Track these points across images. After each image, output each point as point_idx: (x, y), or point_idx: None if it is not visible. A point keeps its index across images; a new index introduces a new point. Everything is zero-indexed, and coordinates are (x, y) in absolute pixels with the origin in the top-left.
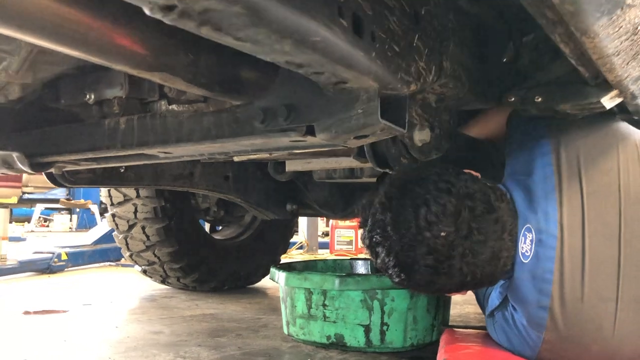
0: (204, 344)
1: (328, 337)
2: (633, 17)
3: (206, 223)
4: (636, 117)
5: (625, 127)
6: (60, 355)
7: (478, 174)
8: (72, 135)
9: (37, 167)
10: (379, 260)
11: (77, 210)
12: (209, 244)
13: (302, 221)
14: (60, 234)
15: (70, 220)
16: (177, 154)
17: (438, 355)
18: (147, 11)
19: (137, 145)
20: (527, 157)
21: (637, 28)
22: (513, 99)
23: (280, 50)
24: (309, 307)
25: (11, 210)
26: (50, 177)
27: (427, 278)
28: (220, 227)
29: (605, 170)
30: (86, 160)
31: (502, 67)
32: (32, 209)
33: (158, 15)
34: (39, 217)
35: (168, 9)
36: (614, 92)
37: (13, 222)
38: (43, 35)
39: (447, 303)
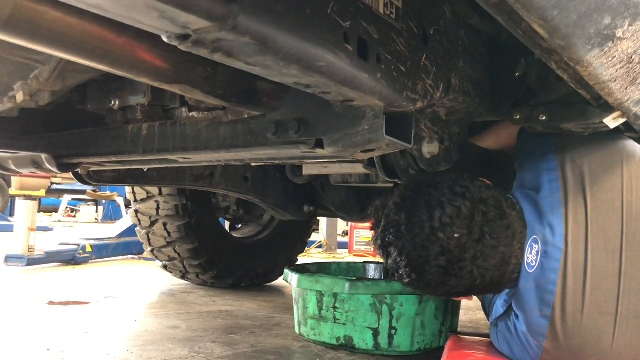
0: (218, 340)
1: (338, 339)
2: (626, 48)
3: (226, 221)
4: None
5: (631, 144)
6: (80, 346)
7: (490, 183)
8: (97, 138)
9: (63, 168)
10: (390, 261)
11: (103, 201)
12: (228, 242)
13: (322, 221)
14: (86, 225)
15: (97, 211)
16: (196, 160)
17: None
18: (164, 39)
19: (157, 151)
20: (535, 172)
21: (631, 57)
22: (518, 116)
23: (288, 74)
24: (320, 309)
25: (40, 200)
26: (77, 175)
27: (437, 279)
28: (239, 226)
29: (610, 187)
30: (110, 162)
31: (515, 81)
32: (60, 199)
33: (175, 43)
34: (66, 208)
35: (184, 37)
36: (617, 114)
37: (41, 212)
38: (70, 50)
39: (455, 310)
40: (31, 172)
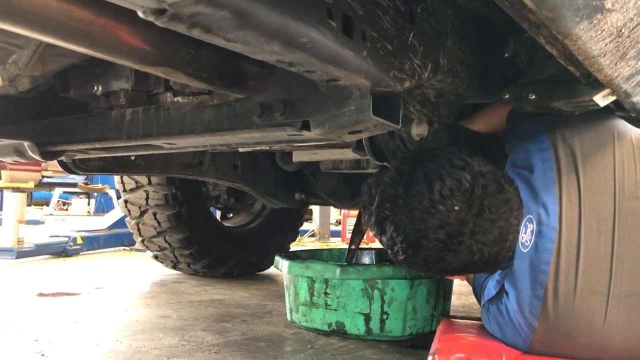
0: (209, 329)
1: (329, 325)
2: (615, 21)
3: (217, 211)
4: (633, 115)
5: (622, 124)
6: (69, 337)
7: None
8: (80, 125)
9: (47, 156)
10: (385, 237)
11: (95, 194)
12: (219, 231)
13: (315, 209)
14: (78, 218)
15: (89, 204)
16: (181, 145)
17: (432, 344)
18: (140, 14)
19: (142, 137)
20: (527, 152)
21: (621, 30)
22: (507, 96)
23: (269, 51)
24: (312, 295)
25: (31, 194)
26: (62, 164)
27: (435, 254)
28: (231, 215)
29: (602, 167)
30: (95, 149)
31: (504, 62)
32: (51, 192)
33: (151, 18)
34: (58, 201)
35: (160, 12)
36: (607, 91)
37: (32, 206)
38: (47, 31)
39: (447, 294)
40: (14, 161)
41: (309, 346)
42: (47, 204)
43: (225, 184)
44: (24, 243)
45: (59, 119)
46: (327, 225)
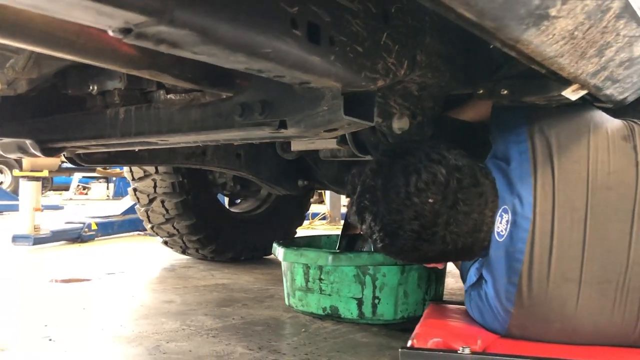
0: (210, 313)
1: (324, 309)
2: (565, 26)
3: (225, 197)
4: (611, 106)
5: (598, 115)
6: (77, 322)
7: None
8: (78, 123)
9: (48, 152)
10: (364, 226)
11: (114, 178)
12: (226, 217)
13: (327, 193)
14: (98, 202)
15: (107, 188)
16: (173, 142)
17: (415, 328)
18: (110, 32)
19: (134, 134)
20: (506, 144)
21: (573, 34)
22: (482, 91)
23: (235, 61)
24: (307, 281)
25: (52, 179)
26: (68, 157)
27: (410, 244)
28: (238, 201)
29: (576, 158)
30: (94, 145)
31: (490, 53)
32: (71, 177)
33: (119, 36)
34: (78, 185)
35: (126, 31)
36: (576, 86)
37: (51, 191)
38: (34, 42)
39: (440, 279)
40: (18, 157)
41: (303, 330)
42: (67, 189)
43: (229, 172)
44: (40, 230)
45: (58, 116)
46: (338, 208)
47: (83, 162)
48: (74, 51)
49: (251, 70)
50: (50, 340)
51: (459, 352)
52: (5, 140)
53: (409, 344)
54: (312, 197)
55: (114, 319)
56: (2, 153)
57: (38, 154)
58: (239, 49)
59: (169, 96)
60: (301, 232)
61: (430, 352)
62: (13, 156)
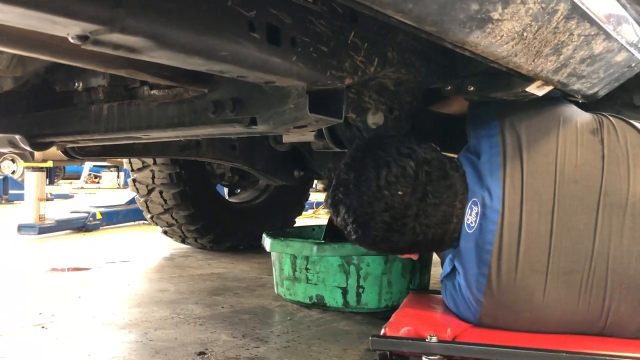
0: (201, 302)
1: (310, 298)
2: (511, 27)
3: (225, 187)
4: (582, 100)
5: (568, 109)
6: (71, 310)
7: (437, 148)
8: (66, 118)
9: (37, 147)
10: (339, 218)
11: (124, 167)
12: (224, 207)
13: None
14: (109, 191)
15: (118, 177)
16: (154, 137)
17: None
18: (69, 39)
19: (117, 130)
20: (478, 138)
21: (523, 34)
22: (449, 87)
23: (194, 63)
24: (294, 270)
25: (64, 168)
26: (63, 151)
27: (381, 235)
28: (238, 191)
29: (545, 152)
30: (83, 139)
31: None
32: (82, 166)
33: (78, 42)
34: (89, 174)
35: (84, 38)
36: (539, 82)
37: (63, 180)
38: (12, 44)
39: (425, 268)
40: (10, 151)
41: (289, 318)
42: (79, 178)
43: (224, 163)
44: (46, 219)
45: (48, 112)
46: None
47: (77, 154)
48: (51, 53)
49: (212, 71)
50: (42, 327)
51: (426, 340)
52: None
53: (382, 332)
54: (312, 186)
55: (107, 307)
56: None
57: (27, 148)
58: (195, 52)
59: (152, 92)
60: (304, 221)
61: (398, 339)
62: (5, 150)
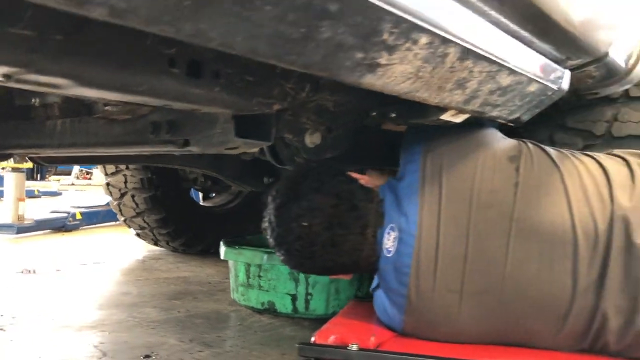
0: (159, 306)
1: (262, 304)
2: (403, 70)
3: (199, 192)
4: (512, 125)
5: (491, 135)
6: (31, 312)
7: (363, 176)
8: (23, 131)
9: None
10: (270, 240)
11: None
12: (196, 211)
13: None
14: (99, 188)
15: None
16: (104, 153)
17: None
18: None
19: (69, 146)
20: (403, 163)
21: (418, 74)
22: (374, 113)
23: (114, 97)
24: (248, 277)
25: (55, 165)
26: (30, 158)
27: (297, 260)
28: (213, 195)
29: (463, 177)
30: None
31: None
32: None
33: (3, 80)
34: (81, 170)
35: (7, 77)
36: (452, 111)
37: (55, 176)
38: None
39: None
40: None
41: (239, 323)
42: (70, 174)
43: (193, 170)
44: (25, 219)
45: (5, 124)
46: None
47: (44, 161)
48: None
49: (136, 102)
50: (1, 329)
51: (348, 348)
52: None
53: (312, 339)
54: None
55: (68, 310)
56: None
57: None
58: (113, 88)
59: (106, 108)
60: None
61: (322, 347)
62: None
